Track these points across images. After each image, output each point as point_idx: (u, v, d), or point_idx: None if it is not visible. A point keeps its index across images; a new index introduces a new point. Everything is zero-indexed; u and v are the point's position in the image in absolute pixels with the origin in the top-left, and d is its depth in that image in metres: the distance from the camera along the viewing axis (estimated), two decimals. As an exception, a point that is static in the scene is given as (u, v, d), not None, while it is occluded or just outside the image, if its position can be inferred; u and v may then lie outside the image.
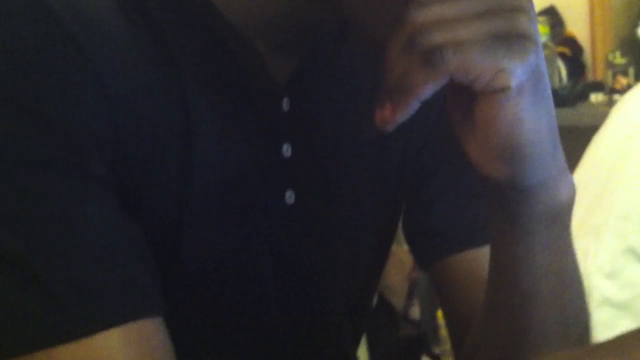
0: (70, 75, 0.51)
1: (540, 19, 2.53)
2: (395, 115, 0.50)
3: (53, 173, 0.49)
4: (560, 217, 0.55)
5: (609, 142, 1.63)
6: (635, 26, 2.63)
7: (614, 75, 2.44)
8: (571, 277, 0.60)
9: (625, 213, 1.39)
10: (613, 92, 2.41)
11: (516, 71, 0.49)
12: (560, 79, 2.54)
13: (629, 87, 2.34)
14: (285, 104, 0.61)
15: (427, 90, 0.49)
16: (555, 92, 2.41)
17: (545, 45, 2.46)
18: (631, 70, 2.45)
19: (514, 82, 0.49)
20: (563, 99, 2.40)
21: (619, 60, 2.46)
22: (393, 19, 0.51)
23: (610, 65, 2.47)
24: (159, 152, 0.55)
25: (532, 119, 0.50)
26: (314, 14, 0.58)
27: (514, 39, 0.49)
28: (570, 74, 2.61)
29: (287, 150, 0.62)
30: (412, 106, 0.50)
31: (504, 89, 0.49)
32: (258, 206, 0.61)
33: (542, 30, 2.45)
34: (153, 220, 0.55)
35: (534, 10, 0.51)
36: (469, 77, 0.49)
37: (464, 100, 0.52)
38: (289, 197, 0.62)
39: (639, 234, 1.45)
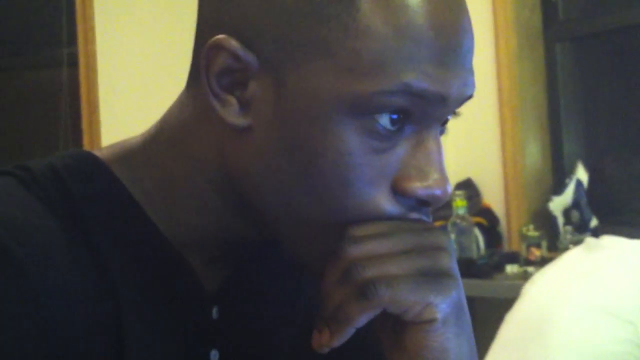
0: (8, 294, 0.52)
1: (458, 192, 2.63)
2: (331, 341, 0.56)
3: None
4: None
5: (522, 320, 1.69)
6: (547, 200, 2.76)
7: (528, 248, 2.53)
8: None
9: None
10: (527, 263, 2.49)
11: (441, 305, 0.55)
12: (478, 248, 2.61)
13: (542, 259, 2.42)
14: (215, 312, 0.64)
15: (362, 320, 0.55)
16: (473, 262, 2.47)
17: (463, 217, 2.55)
18: (544, 243, 2.54)
19: (439, 315, 0.55)
20: (480, 269, 2.47)
21: (532, 233, 2.56)
22: (328, 252, 0.56)
23: (524, 237, 2.57)
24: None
25: (455, 346, 0.56)
26: (244, 234, 0.62)
27: (438, 277, 0.55)
28: (487, 244, 2.69)
29: (214, 356, 0.63)
30: (348, 333, 0.55)
31: (431, 321, 0.55)
32: None
33: (460, 204, 2.55)
34: None
35: (453, 248, 0.58)
36: (400, 309, 0.54)
37: (393, 327, 0.57)
38: None
39: None
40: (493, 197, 2.86)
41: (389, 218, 0.57)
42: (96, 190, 0.59)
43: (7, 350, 0.51)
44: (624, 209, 1.68)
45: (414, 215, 0.58)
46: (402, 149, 0.57)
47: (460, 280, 0.57)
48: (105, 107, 3.23)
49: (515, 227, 2.77)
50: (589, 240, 1.74)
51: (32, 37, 3.68)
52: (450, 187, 0.58)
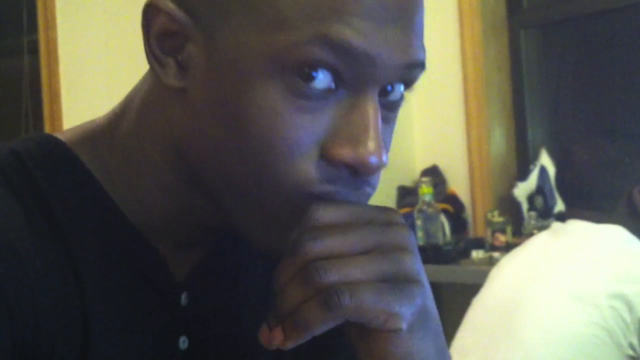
0: None
1: (425, 178, 2.65)
2: (285, 343, 0.53)
3: None
4: None
5: (491, 304, 1.71)
6: (512, 187, 2.78)
7: (493, 233, 2.55)
8: None
9: None
10: (493, 249, 2.51)
11: (406, 314, 0.54)
12: (444, 234, 2.63)
13: (507, 244, 2.45)
14: (184, 298, 0.63)
15: (322, 329, 0.52)
16: (439, 248, 2.49)
17: (429, 204, 2.56)
18: (509, 229, 2.57)
19: (404, 325, 0.54)
20: (446, 255, 2.49)
21: (497, 218, 2.58)
22: (283, 238, 0.54)
23: (489, 223, 2.59)
24: (58, 355, 0.55)
25: (421, 350, 0.55)
26: (207, 217, 0.60)
27: (402, 283, 0.53)
28: (453, 230, 2.71)
29: (183, 343, 0.63)
30: (304, 338, 0.53)
31: (396, 330, 0.54)
32: None
33: (427, 191, 2.56)
34: None
35: (415, 245, 0.56)
36: (363, 319, 0.53)
37: (359, 331, 0.55)
38: None
39: None
40: (459, 183, 2.88)
41: (318, 188, 0.54)
42: (59, 175, 0.58)
43: None
44: (591, 194, 1.70)
45: (344, 189, 0.55)
46: (333, 113, 0.54)
47: (424, 282, 0.56)
48: (67, 95, 3.19)
49: (480, 214, 2.79)
50: (556, 224, 1.75)
51: (-8, 25, 3.62)
52: (387, 157, 0.54)
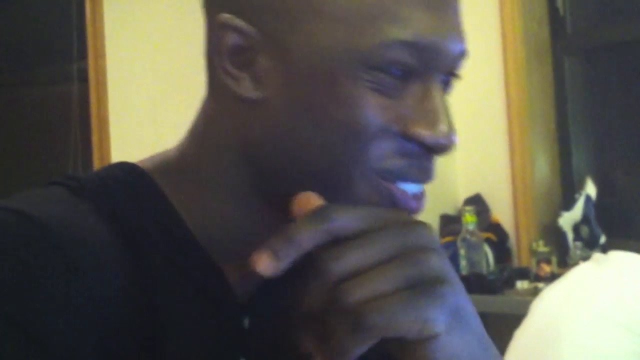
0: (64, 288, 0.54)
1: (468, 207, 2.63)
2: None
3: None
4: None
5: (533, 333, 1.69)
6: (557, 216, 2.75)
7: (538, 263, 2.52)
8: None
9: None
10: (537, 279, 2.48)
11: (441, 317, 0.52)
12: (488, 264, 2.60)
13: (552, 275, 2.41)
14: (246, 322, 0.64)
15: (360, 350, 0.52)
16: (483, 278, 2.46)
17: (472, 233, 2.54)
18: (554, 259, 2.53)
19: (441, 328, 0.52)
20: (490, 284, 2.46)
21: (542, 248, 2.55)
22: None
23: (534, 253, 2.55)
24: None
25: (466, 350, 0.54)
26: (274, 223, 0.61)
27: (430, 285, 0.52)
28: (497, 260, 2.68)
29: None
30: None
31: (434, 336, 0.52)
32: None
33: (470, 219, 2.54)
34: None
35: (438, 244, 0.56)
36: (399, 332, 0.52)
37: (399, 346, 0.54)
38: None
39: None
40: (502, 212, 2.85)
41: (393, 162, 0.59)
42: (138, 199, 0.62)
43: (67, 341, 0.53)
44: (632, 223, 1.68)
45: (415, 162, 0.60)
46: (408, 100, 0.60)
47: (454, 279, 0.55)
48: (115, 123, 3.25)
49: (524, 243, 2.76)
50: (597, 255, 1.73)
51: (43, 52, 3.70)
52: (457, 138, 0.60)
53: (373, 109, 0.58)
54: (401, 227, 0.55)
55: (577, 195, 2.70)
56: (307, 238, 0.53)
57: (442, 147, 0.60)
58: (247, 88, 0.60)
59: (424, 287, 0.52)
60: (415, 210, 0.62)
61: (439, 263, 0.54)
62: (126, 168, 0.65)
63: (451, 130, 0.60)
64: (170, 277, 0.61)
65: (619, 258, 1.68)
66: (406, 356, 0.54)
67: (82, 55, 3.34)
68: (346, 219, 0.54)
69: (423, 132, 0.59)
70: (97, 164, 3.23)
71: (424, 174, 0.62)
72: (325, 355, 0.53)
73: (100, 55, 3.23)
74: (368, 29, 0.57)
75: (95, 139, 3.27)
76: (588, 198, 2.59)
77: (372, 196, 0.60)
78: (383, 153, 0.59)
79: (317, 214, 0.54)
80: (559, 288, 1.74)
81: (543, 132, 2.89)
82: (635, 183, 1.68)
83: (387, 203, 0.60)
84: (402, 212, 0.59)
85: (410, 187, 0.61)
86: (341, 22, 0.58)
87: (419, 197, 0.62)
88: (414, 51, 0.58)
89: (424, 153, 0.60)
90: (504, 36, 2.84)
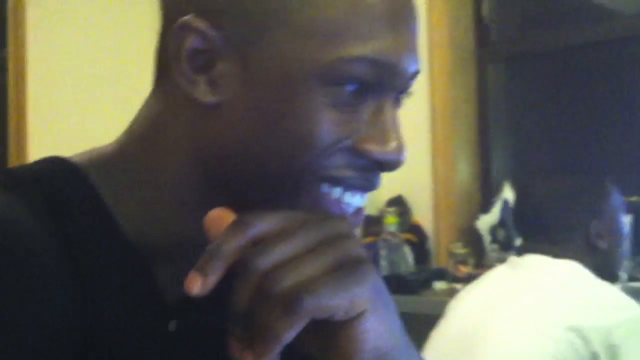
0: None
1: (390, 209, 2.66)
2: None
3: None
4: None
5: (451, 335, 1.72)
6: (475, 219, 2.81)
7: (455, 264, 2.57)
8: None
9: None
10: (455, 280, 2.53)
11: (366, 295, 0.54)
12: (408, 265, 2.64)
13: (469, 275, 2.47)
14: (173, 325, 0.64)
15: (291, 335, 0.52)
16: (402, 278, 2.50)
17: (393, 234, 2.57)
18: (471, 260, 2.59)
19: (368, 305, 0.54)
20: (409, 285, 2.50)
21: (460, 250, 2.60)
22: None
23: (452, 254, 2.60)
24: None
25: (388, 328, 0.56)
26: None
27: (353, 266, 0.54)
28: (416, 261, 2.72)
29: None
30: (277, 350, 0.53)
31: (362, 313, 0.54)
32: None
33: (392, 221, 2.58)
34: None
35: (354, 233, 0.58)
36: (328, 311, 0.53)
37: (319, 330, 0.55)
38: None
39: None
40: (423, 214, 2.89)
41: (344, 175, 0.60)
42: (71, 195, 0.61)
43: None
44: (548, 228, 1.73)
45: (361, 175, 0.61)
46: (362, 115, 0.61)
47: (372, 262, 0.57)
48: (33, 114, 3.17)
49: (443, 244, 2.81)
50: (513, 258, 1.78)
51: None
52: (406, 154, 0.62)
53: (327, 124, 0.59)
54: (320, 220, 0.57)
55: (495, 199, 2.77)
56: (228, 247, 0.54)
57: (392, 163, 0.61)
58: (202, 92, 0.60)
59: (348, 267, 0.54)
60: (354, 225, 0.63)
61: (358, 247, 0.56)
62: (59, 162, 0.64)
63: (401, 147, 0.61)
64: (101, 275, 0.60)
65: (533, 262, 1.72)
66: (334, 339, 0.55)
67: (2, 44, 3.25)
68: (265, 222, 0.55)
69: (373, 148, 0.61)
70: (13, 155, 3.15)
71: (370, 185, 0.63)
72: (257, 344, 0.53)
73: (21, 44, 3.15)
74: (331, 43, 0.58)
75: (12, 129, 3.18)
76: (505, 202, 2.66)
77: (315, 207, 0.61)
78: (333, 165, 0.60)
79: (236, 223, 0.55)
80: (477, 291, 1.78)
81: (465, 137, 2.95)
82: (551, 189, 1.73)
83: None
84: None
85: (354, 200, 0.63)
86: (306, 34, 0.58)
87: (359, 212, 0.64)
88: (373, 68, 0.59)
89: (373, 167, 0.62)
90: (430, 41, 2.88)
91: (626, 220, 1.77)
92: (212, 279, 0.53)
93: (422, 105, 2.88)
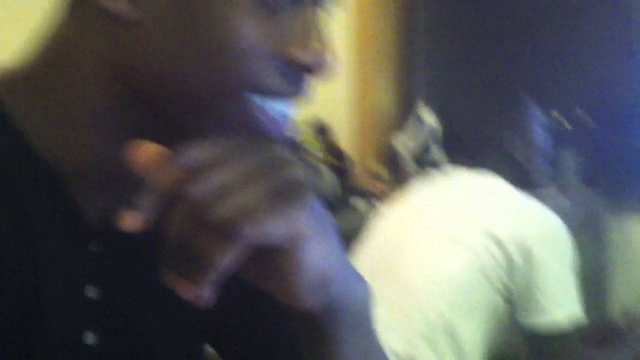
0: None
1: (309, 131, 2.66)
2: (197, 291, 0.50)
3: None
4: (365, 319, 0.59)
5: (374, 252, 1.75)
6: (394, 139, 2.83)
7: (373, 182, 2.60)
8: None
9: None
10: (373, 197, 2.57)
11: (306, 219, 0.52)
12: (326, 185, 2.66)
13: (388, 194, 2.51)
14: (94, 246, 0.62)
15: (231, 264, 0.50)
16: (323, 199, 2.52)
17: (313, 155, 2.58)
18: (389, 179, 2.62)
19: (309, 229, 0.52)
20: (329, 205, 2.52)
21: (379, 169, 2.63)
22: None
23: (371, 174, 2.63)
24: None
25: (328, 248, 0.54)
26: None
27: (294, 190, 0.52)
28: (339, 181, 2.75)
29: (91, 291, 0.62)
30: (216, 282, 0.50)
31: (303, 238, 0.52)
32: (58, 345, 0.61)
33: (312, 142, 2.58)
34: None
35: (293, 156, 0.55)
36: (268, 237, 0.50)
37: (259, 258, 0.53)
38: (90, 338, 0.63)
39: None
40: (343, 135, 2.91)
41: (270, 82, 0.59)
42: None
43: None
44: (468, 143, 1.76)
45: (289, 83, 0.60)
46: (286, 21, 0.60)
47: (311, 185, 0.55)
48: None
49: (363, 164, 2.83)
50: (434, 172, 1.81)
51: None
52: (333, 58, 0.61)
53: (249, 29, 0.58)
54: (257, 146, 0.54)
55: (413, 120, 2.79)
56: (161, 179, 0.51)
57: (316, 65, 0.60)
58: (122, 6, 0.58)
59: (289, 193, 0.52)
60: (280, 136, 0.62)
61: (299, 171, 0.54)
62: None
63: (324, 49, 0.60)
64: (15, 196, 0.59)
65: (453, 175, 1.76)
66: (276, 266, 0.53)
67: None
68: (199, 151, 0.52)
69: (296, 51, 0.60)
70: None
71: (296, 91, 0.62)
72: (197, 277, 0.50)
73: None
74: None
75: None
76: (422, 121, 2.69)
77: (241, 118, 0.60)
78: (257, 72, 0.59)
79: (168, 155, 0.52)
80: (399, 206, 1.81)
81: (385, 59, 2.95)
82: (469, 106, 1.76)
83: (254, 127, 0.60)
84: (257, 137, 0.59)
85: (282, 108, 0.62)
86: None
87: (286, 121, 0.62)
88: None
89: (298, 72, 0.61)
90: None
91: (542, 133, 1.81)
92: (147, 214, 0.50)
93: (345, 28, 2.86)
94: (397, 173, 2.69)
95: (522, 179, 1.75)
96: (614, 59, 2.56)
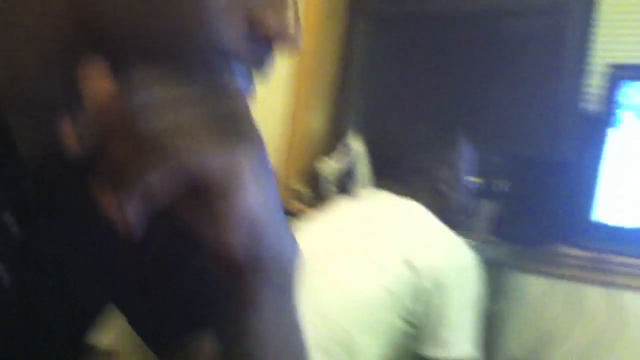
0: None
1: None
2: (125, 209, 0.48)
3: None
4: (290, 283, 0.57)
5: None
6: (320, 162, 2.85)
7: (291, 200, 2.60)
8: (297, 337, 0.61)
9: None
10: (291, 216, 2.57)
11: (244, 156, 0.49)
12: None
13: (303, 212, 2.52)
14: (24, 179, 0.59)
15: (155, 180, 0.47)
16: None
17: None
18: (308, 198, 2.63)
19: (247, 169, 0.49)
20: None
21: (303, 190, 2.63)
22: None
23: (295, 194, 2.64)
24: None
25: (266, 197, 0.51)
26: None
27: (237, 122, 0.49)
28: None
29: (8, 219, 0.59)
30: (140, 201, 0.47)
31: (240, 176, 0.49)
32: None
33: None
34: None
35: (242, 95, 0.52)
36: (202, 169, 0.48)
37: (194, 201, 0.50)
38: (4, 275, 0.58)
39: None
40: (270, 153, 2.90)
41: (237, 47, 0.56)
42: None
43: None
44: (398, 170, 1.79)
45: (255, 55, 0.57)
46: None
47: (255, 124, 0.51)
48: None
49: (286, 185, 2.84)
50: (358, 192, 1.82)
51: None
52: (299, 31, 0.59)
53: None
54: (212, 89, 0.52)
55: (341, 146, 2.82)
56: (102, 98, 0.48)
57: (282, 34, 0.57)
58: None
59: (231, 124, 0.49)
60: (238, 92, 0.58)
61: (247, 107, 0.51)
62: None
63: (297, 23, 0.58)
64: None
65: (376, 196, 1.78)
66: (209, 208, 0.50)
67: None
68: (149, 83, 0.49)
69: (269, 18, 0.56)
70: None
71: (260, 61, 0.59)
72: (121, 190, 0.47)
73: None
74: None
75: None
76: (351, 149, 2.71)
77: (199, 76, 0.54)
78: (222, 29, 0.55)
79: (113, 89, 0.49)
80: (319, 223, 1.81)
81: (323, 86, 2.98)
82: (408, 141, 1.80)
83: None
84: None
85: (240, 72, 0.58)
86: None
87: (246, 87, 0.59)
88: None
89: (262, 40, 0.57)
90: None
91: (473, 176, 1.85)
92: (83, 133, 0.48)
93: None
94: (318, 195, 2.70)
95: (444, 210, 1.77)
96: (542, 113, 2.57)
